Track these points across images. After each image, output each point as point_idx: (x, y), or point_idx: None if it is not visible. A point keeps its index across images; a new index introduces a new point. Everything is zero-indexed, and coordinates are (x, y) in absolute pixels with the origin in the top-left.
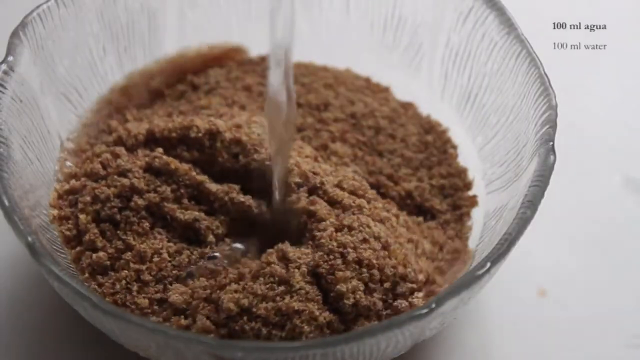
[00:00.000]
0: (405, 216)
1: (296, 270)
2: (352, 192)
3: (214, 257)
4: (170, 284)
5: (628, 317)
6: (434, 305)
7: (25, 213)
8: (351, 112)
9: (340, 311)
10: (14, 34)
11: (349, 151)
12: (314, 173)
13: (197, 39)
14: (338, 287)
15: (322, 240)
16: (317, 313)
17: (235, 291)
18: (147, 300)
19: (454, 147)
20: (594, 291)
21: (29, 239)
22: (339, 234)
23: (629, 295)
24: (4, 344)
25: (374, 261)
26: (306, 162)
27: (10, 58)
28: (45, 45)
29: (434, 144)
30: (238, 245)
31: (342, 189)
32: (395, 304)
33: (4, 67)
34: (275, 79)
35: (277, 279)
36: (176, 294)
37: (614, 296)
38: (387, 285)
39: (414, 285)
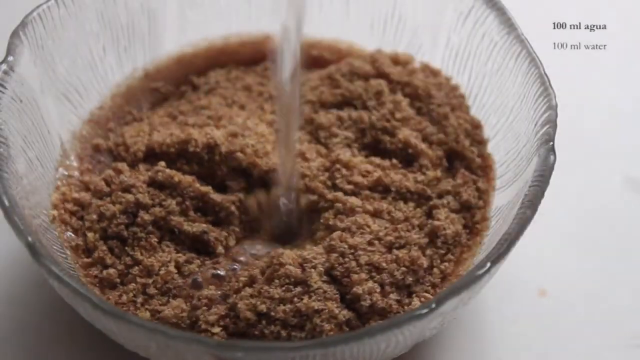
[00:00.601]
0: (399, 205)
1: (312, 270)
2: (350, 186)
3: (234, 269)
4: (174, 297)
5: (628, 317)
6: (433, 305)
7: (25, 213)
8: (327, 73)
9: (357, 311)
10: (14, 34)
11: (332, 118)
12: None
13: (197, 39)
14: (354, 289)
15: (333, 242)
16: (336, 311)
17: (251, 296)
18: (148, 313)
19: (462, 95)
20: (594, 291)
21: (29, 239)
22: (347, 235)
23: (628, 295)
24: (3, 344)
25: (384, 265)
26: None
27: (10, 58)
28: (45, 45)
29: (439, 87)
30: (256, 251)
31: (336, 188)
32: (410, 306)
33: (4, 67)
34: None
35: (292, 280)
36: (169, 309)
37: (614, 296)
38: (400, 286)
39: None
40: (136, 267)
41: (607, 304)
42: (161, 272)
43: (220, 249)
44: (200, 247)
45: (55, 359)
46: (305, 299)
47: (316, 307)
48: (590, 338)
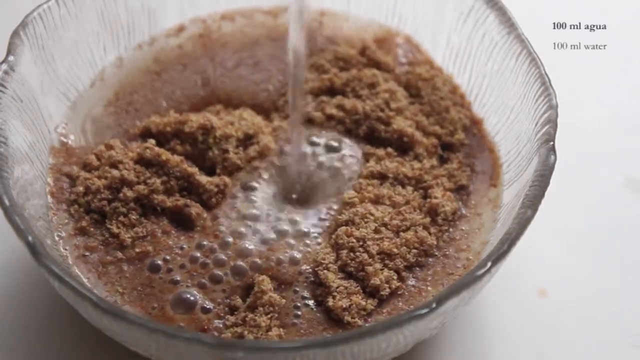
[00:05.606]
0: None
1: (326, 271)
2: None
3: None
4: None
5: (628, 317)
6: (434, 305)
7: (25, 213)
8: (310, 62)
9: (379, 299)
10: (15, 34)
11: (322, 117)
12: None
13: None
14: (372, 281)
15: (340, 240)
16: (363, 303)
17: (235, 324)
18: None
19: (462, 96)
20: (594, 291)
21: (29, 238)
22: (351, 228)
23: (629, 295)
24: (4, 344)
25: (395, 250)
26: None
27: (11, 58)
28: (46, 45)
29: (444, 82)
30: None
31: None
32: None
33: (4, 67)
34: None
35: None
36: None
37: (614, 296)
38: (415, 269)
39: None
40: (113, 241)
41: (607, 304)
42: (136, 250)
43: (199, 228)
44: (181, 221)
45: (55, 359)
46: (330, 300)
47: (344, 305)
48: (590, 338)
